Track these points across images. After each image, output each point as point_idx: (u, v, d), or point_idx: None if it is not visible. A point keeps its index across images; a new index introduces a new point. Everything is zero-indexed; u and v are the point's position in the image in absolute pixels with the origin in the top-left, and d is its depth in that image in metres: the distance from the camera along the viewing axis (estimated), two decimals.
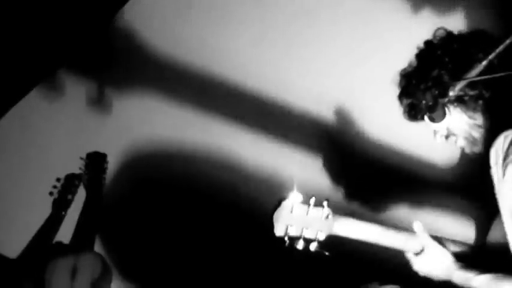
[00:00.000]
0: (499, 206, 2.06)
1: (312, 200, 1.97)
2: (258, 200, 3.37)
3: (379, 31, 3.40)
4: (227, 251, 3.63)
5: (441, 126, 2.22)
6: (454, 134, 2.24)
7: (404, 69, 2.28)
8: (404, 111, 2.27)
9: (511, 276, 2.00)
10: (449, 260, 2.17)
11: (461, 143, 2.25)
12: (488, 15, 3.16)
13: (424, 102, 2.15)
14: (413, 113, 2.22)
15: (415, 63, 2.26)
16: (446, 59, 2.15)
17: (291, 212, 1.95)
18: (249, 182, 3.61)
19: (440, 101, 2.13)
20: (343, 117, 3.47)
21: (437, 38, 2.24)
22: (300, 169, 3.41)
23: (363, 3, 3.45)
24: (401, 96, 2.27)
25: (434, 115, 2.16)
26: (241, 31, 3.64)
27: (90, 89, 3.84)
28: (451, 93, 2.11)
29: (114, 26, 3.82)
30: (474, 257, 2.22)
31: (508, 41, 2.02)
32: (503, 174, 2.02)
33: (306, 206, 1.97)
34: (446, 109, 2.16)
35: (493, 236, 2.24)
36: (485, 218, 2.32)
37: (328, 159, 3.53)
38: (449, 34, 2.24)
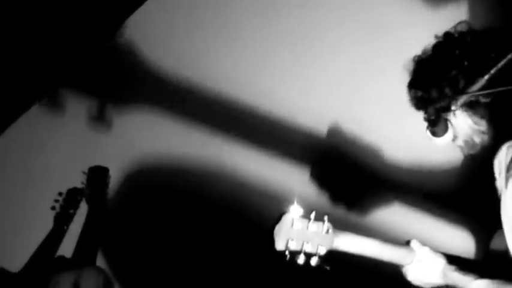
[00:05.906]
0: (501, 217, 2.06)
1: (313, 215, 1.97)
2: (259, 214, 3.38)
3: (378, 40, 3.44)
4: (229, 264, 3.64)
5: (444, 139, 2.20)
6: (455, 135, 2.22)
7: (418, 57, 2.22)
8: (412, 101, 2.23)
9: (510, 283, 2.01)
10: (443, 263, 2.17)
11: (460, 143, 2.24)
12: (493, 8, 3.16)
13: (425, 116, 2.15)
14: (421, 104, 2.19)
15: (430, 53, 2.20)
16: (464, 60, 2.11)
17: (292, 226, 1.94)
18: (250, 196, 3.62)
19: (443, 115, 2.12)
20: (343, 133, 3.50)
21: (458, 32, 2.18)
22: (300, 183, 3.42)
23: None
24: (411, 86, 2.23)
25: (436, 129, 2.14)
26: (243, 48, 3.68)
27: (91, 105, 3.86)
28: (453, 108, 2.09)
29: (115, 42, 3.85)
30: (471, 267, 2.20)
31: (510, 55, 2.00)
32: (506, 185, 2.03)
33: (306, 220, 1.96)
34: (448, 123, 2.15)
35: (494, 245, 2.24)
36: (485, 230, 2.32)
37: (326, 172, 3.55)
38: (470, 30, 2.18)
